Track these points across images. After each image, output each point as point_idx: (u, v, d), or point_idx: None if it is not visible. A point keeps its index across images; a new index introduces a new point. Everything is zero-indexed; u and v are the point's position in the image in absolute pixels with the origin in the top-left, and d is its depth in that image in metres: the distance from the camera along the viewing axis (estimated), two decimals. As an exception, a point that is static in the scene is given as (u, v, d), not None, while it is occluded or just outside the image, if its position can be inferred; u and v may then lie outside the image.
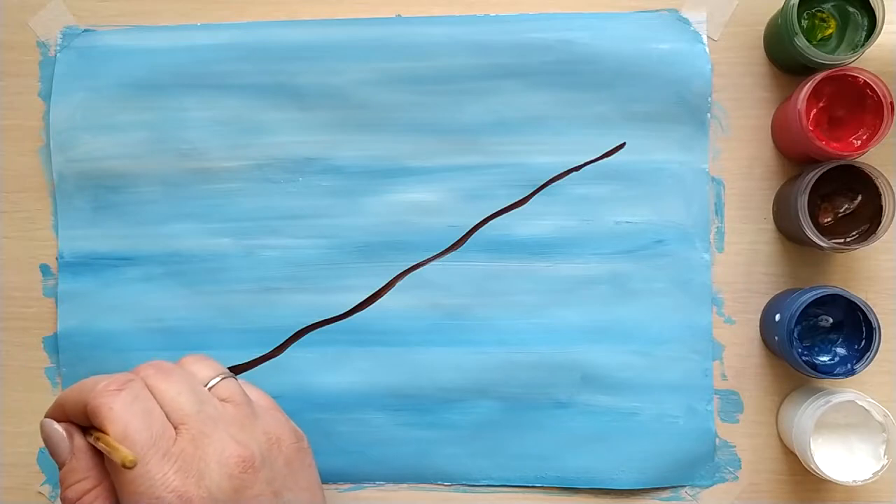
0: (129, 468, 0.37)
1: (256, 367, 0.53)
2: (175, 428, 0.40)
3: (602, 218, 0.52)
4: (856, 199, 0.49)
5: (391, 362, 0.53)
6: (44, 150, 0.54)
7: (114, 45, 0.54)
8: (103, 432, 0.39)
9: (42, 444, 0.54)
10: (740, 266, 0.53)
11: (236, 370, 0.52)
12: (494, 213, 0.53)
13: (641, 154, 0.52)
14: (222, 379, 0.43)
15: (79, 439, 0.41)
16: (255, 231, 0.53)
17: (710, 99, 0.52)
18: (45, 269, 0.55)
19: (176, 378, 0.42)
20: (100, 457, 0.41)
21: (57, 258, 0.54)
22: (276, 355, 0.53)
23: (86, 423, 0.41)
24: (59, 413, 0.42)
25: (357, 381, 0.53)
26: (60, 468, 0.41)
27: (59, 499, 0.54)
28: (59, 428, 0.42)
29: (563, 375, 0.52)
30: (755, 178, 0.53)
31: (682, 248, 0.52)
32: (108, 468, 0.40)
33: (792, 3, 0.47)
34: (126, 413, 0.39)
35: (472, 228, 0.53)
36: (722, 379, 0.53)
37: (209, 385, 0.43)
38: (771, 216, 0.53)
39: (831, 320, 0.49)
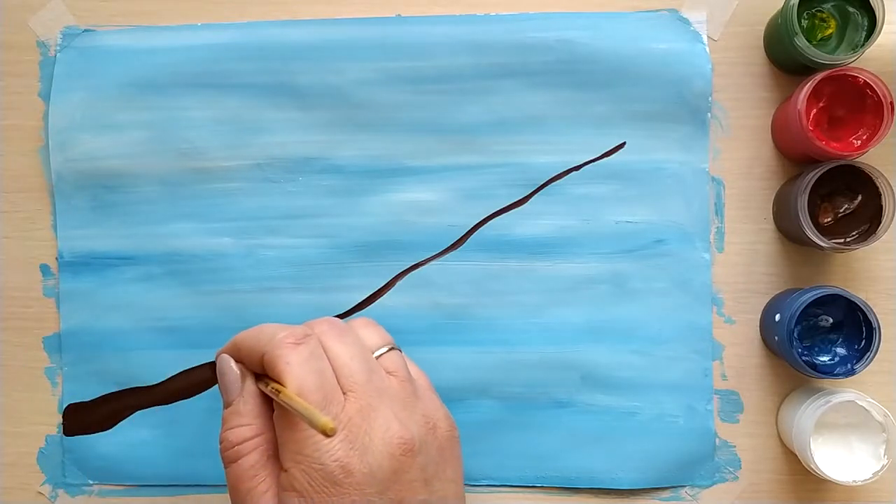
0: (330, 436, 0.35)
1: None
2: (343, 394, 0.39)
3: (602, 217, 0.52)
4: (856, 199, 0.49)
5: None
6: (44, 150, 0.54)
7: (114, 45, 0.54)
8: (279, 383, 0.38)
9: (42, 444, 0.54)
10: (740, 266, 0.53)
11: None
12: (494, 213, 0.53)
13: (641, 154, 0.52)
14: (389, 350, 0.42)
15: (250, 384, 0.41)
16: (255, 231, 0.53)
17: (710, 99, 0.52)
18: (45, 269, 0.55)
19: (350, 341, 0.41)
20: (267, 407, 0.40)
21: (57, 258, 0.54)
22: None
23: (257, 370, 0.40)
24: (234, 353, 0.41)
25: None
26: (226, 407, 0.41)
27: (60, 495, 0.54)
28: (235, 367, 0.41)
29: (563, 375, 0.52)
30: (755, 178, 0.53)
31: (682, 248, 0.52)
32: (276, 422, 0.39)
33: (792, 3, 0.47)
34: (302, 370, 0.38)
35: (472, 228, 0.53)
36: (722, 379, 0.53)
37: (376, 354, 0.42)
38: (771, 216, 0.53)
39: (831, 320, 0.49)
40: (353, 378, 0.39)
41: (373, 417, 0.38)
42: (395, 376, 0.41)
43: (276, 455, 0.39)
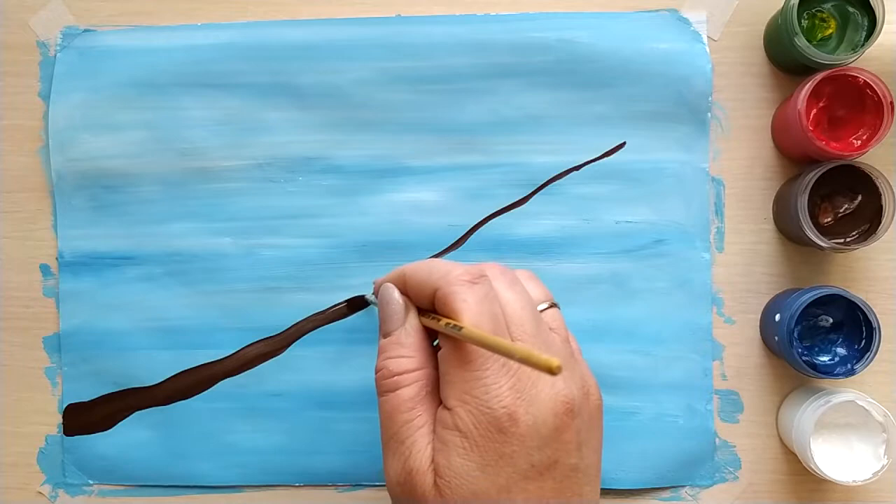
0: (556, 374, 0.33)
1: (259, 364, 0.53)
2: (512, 341, 0.38)
3: (602, 217, 0.52)
4: (856, 199, 0.49)
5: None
6: (44, 150, 0.54)
7: (114, 45, 0.54)
8: (452, 319, 0.37)
9: (42, 444, 0.54)
10: (740, 266, 0.53)
11: None
12: (494, 213, 0.53)
13: (641, 153, 0.52)
14: (550, 306, 0.42)
15: (414, 317, 0.40)
16: (256, 230, 0.53)
17: (710, 98, 0.52)
18: (45, 269, 0.55)
19: (519, 290, 0.40)
20: (427, 342, 0.40)
21: (57, 258, 0.54)
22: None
23: (423, 305, 0.40)
24: (399, 284, 0.41)
25: (359, 380, 0.53)
26: (384, 336, 0.40)
27: (60, 495, 0.54)
28: (399, 297, 0.40)
29: (563, 375, 0.52)
30: (755, 178, 0.53)
31: (682, 248, 0.52)
32: (445, 359, 0.38)
33: (792, 3, 0.47)
34: (478, 309, 0.37)
35: (472, 228, 0.53)
36: (722, 379, 0.53)
37: (540, 309, 0.41)
38: (771, 216, 0.53)
39: (831, 320, 0.49)
40: (523, 327, 0.38)
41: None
42: (558, 334, 0.40)
43: (434, 392, 0.39)
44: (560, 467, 0.37)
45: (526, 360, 0.34)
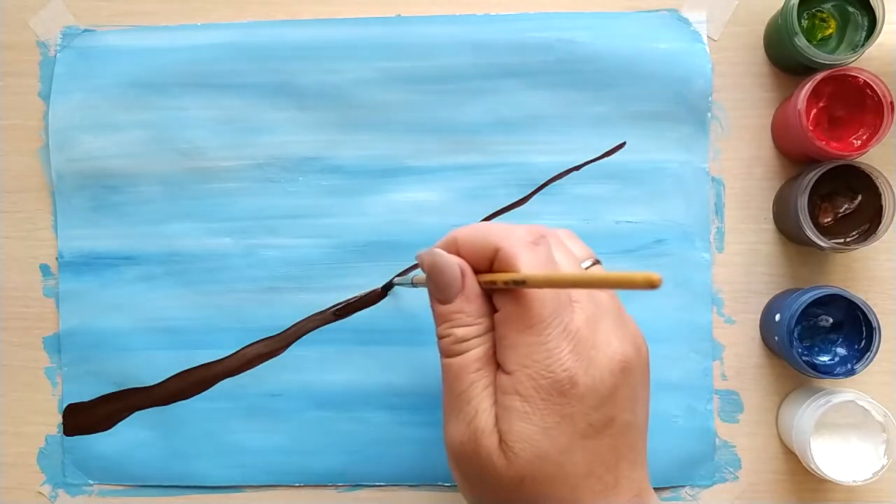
0: (657, 287, 0.29)
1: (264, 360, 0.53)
2: (570, 300, 0.37)
3: (602, 217, 0.52)
4: (856, 199, 0.49)
5: (392, 361, 0.53)
6: (44, 150, 0.54)
7: (114, 45, 0.54)
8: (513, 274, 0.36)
9: (42, 444, 0.54)
10: (740, 266, 0.53)
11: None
12: (494, 213, 0.53)
13: (641, 153, 0.52)
14: (593, 263, 0.41)
15: (473, 282, 0.39)
16: (256, 230, 0.53)
17: (710, 98, 0.52)
18: (45, 269, 0.55)
19: (565, 250, 0.39)
20: (488, 307, 0.39)
21: (57, 258, 0.54)
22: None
23: (479, 269, 0.39)
24: (452, 248, 0.40)
25: (358, 380, 0.53)
26: (441, 304, 0.39)
27: (60, 495, 0.54)
28: (453, 262, 0.38)
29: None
30: (755, 178, 0.53)
31: (682, 248, 0.52)
32: (506, 323, 0.37)
33: (792, 3, 0.47)
34: (542, 270, 0.37)
35: (472, 228, 0.53)
36: (722, 379, 0.53)
37: (585, 266, 0.40)
38: (771, 216, 0.53)
39: (831, 320, 0.49)
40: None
41: (597, 330, 0.37)
42: (605, 291, 0.40)
43: (494, 357, 0.38)
44: (616, 424, 0.38)
45: (623, 283, 0.32)
